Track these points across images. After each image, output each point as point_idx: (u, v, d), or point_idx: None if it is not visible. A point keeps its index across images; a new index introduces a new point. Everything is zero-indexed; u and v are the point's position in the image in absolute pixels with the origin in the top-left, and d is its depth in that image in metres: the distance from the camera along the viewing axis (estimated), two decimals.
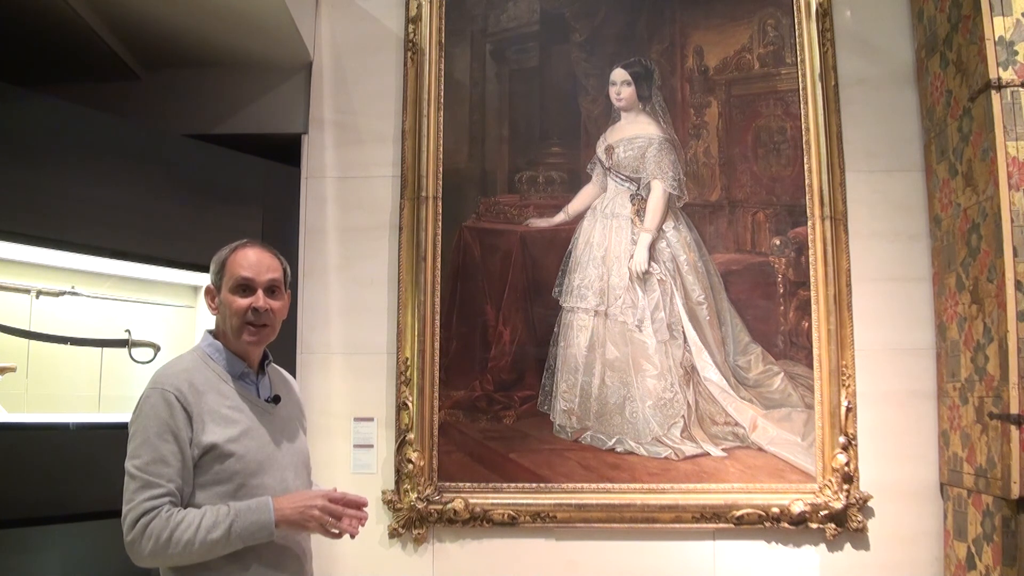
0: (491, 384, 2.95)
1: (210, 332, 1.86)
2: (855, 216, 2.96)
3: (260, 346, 1.85)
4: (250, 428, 1.76)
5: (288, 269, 1.91)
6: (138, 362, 2.86)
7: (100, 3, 2.70)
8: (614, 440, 2.90)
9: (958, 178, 2.69)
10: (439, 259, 2.98)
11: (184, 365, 1.78)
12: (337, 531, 1.74)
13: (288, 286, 1.91)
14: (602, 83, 3.07)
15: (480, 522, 2.85)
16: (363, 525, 1.78)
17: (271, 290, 1.83)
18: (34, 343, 2.68)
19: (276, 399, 1.87)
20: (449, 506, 2.85)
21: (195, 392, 1.72)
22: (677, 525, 2.82)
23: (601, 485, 2.86)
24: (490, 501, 2.86)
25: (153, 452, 1.65)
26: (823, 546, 2.83)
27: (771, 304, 2.93)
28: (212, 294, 1.85)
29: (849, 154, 3.00)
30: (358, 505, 1.77)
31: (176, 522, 1.61)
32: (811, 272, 2.91)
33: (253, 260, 1.83)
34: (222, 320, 1.83)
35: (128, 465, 1.66)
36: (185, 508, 1.66)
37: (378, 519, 2.90)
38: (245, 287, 1.80)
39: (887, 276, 2.94)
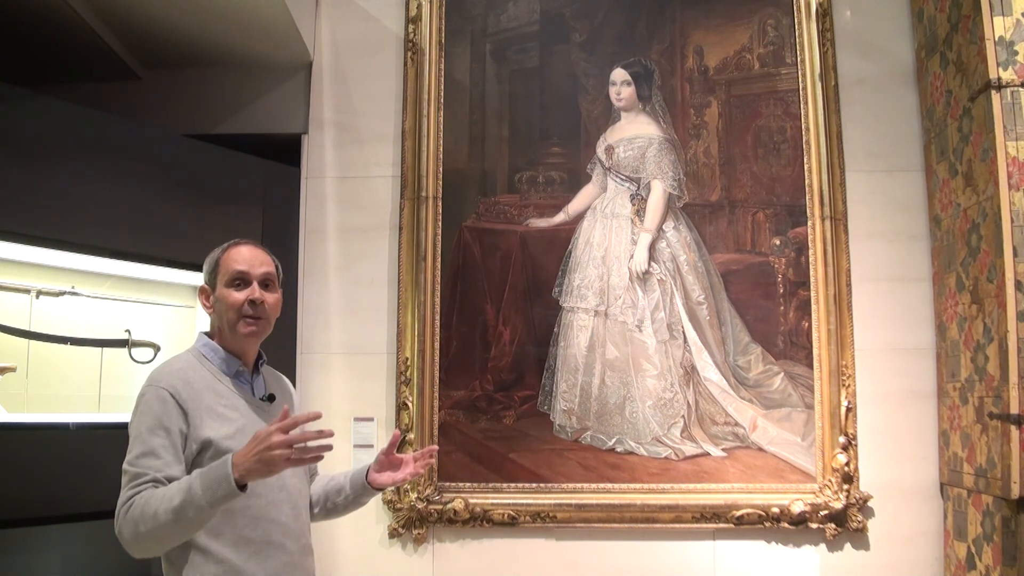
0: (491, 384, 2.95)
1: (205, 333, 1.87)
2: (855, 216, 2.96)
3: (257, 340, 1.86)
4: (245, 426, 1.76)
5: (280, 267, 1.92)
6: (138, 362, 2.86)
7: (100, 3, 2.70)
8: (614, 440, 2.90)
9: (958, 178, 2.69)
10: (439, 259, 2.98)
11: (179, 364, 1.79)
12: (305, 459, 1.62)
13: (281, 284, 1.91)
14: (602, 83, 3.07)
15: (480, 522, 2.85)
16: (331, 435, 1.65)
17: (265, 284, 1.84)
18: (34, 343, 2.68)
19: (271, 398, 1.88)
20: (449, 506, 2.85)
21: (191, 389, 1.72)
22: (677, 525, 2.82)
23: (601, 485, 2.86)
24: (490, 501, 2.86)
25: (143, 446, 1.65)
26: (823, 546, 2.83)
27: (771, 304, 2.93)
28: (207, 293, 1.86)
29: (849, 154, 3.00)
30: (311, 420, 1.65)
31: (147, 499, 1.58)
32: (811, 272, 2.91)
33: (247, 255, 1.84)
34: (218, 317, 1.84)
35: (124, 463, 1.67)
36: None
37: (378, 519, 2.90)
38: (240, 281, 1.82)
39: (887, 276, 2.94)
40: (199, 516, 1.56)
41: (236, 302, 1.80)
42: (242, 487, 1.55)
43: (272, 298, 1.85)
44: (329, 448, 1.65)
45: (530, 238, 3.02)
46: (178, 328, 3.09)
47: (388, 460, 1.96)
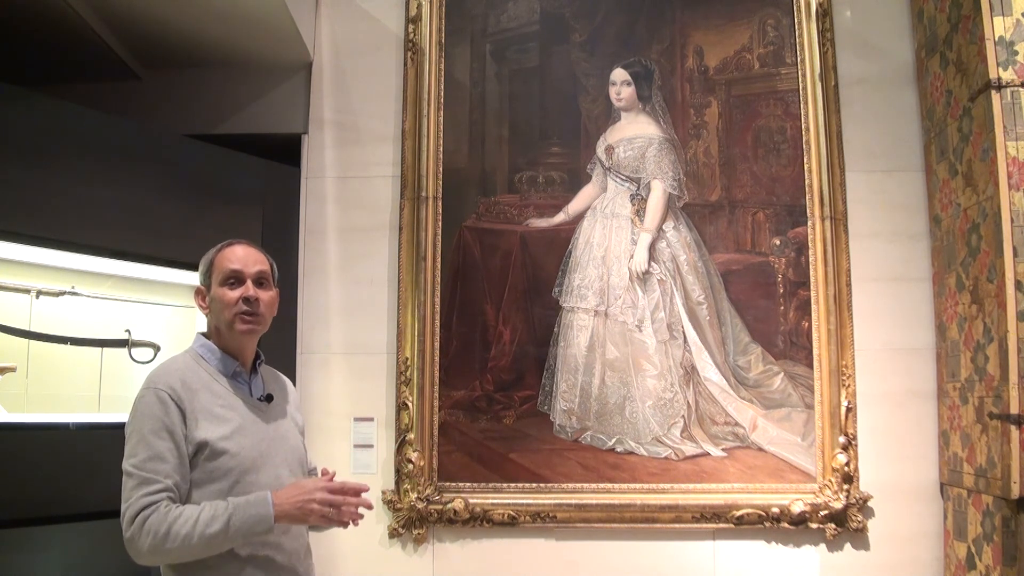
0: (491, 384, 2.95)
1: (202, 334, 1.88)
2: (855, 216, 2.96)
3: (253, 338, 1.86)
4: (243, 426, 1.77)
5: (275, 265, 1.93)
6: (138, 362, 2.86)
7: (100, 3, 2.70)
8: (614, 440, 2.90)
9: (958, 178, 2.69)
10: (439, 259, 2.98)
11: (177, 365, 1.80)
12: (339, 521, 1.73)
13: (276, 283, 1.92)
14: (602, 83, 3.07)
15: (480, 522, 2.85)
16: (369, 509, 1.79)
17: (259, 282, 1.85)
18: (34, 343, 2.68)
19: (269, 398, 1.88)
20: (449, 506, 2.85)
21: (188, 390, 1.73)
22: (677, 525, 2.82)
23: (601, 485, 2.86)
24: (490, 501, 2.86)
25: (149, 450, 1.66)
26: (823, 546, 2.83)
27: (771, 304, 2.93)
28: (202, 294, 1.87)
29: (849, 154, 3.00)
30: (357, 492, 1.76)
31: (174, 517, 1.61)
32: (811, 272, 2.91)
33: (241, 254, 1.86)
34: (214, 316, 1.84)
35: (125, 464, 1.67)
36: (183, 505, 1.66)
37: (378, 519, 2.90)
38: (234, 279, 1.83)
39: (887, 276, 2.94)
40: (231, 544, 1.66)
41: (231, 300, 1.81)
42: None
43: (267, 296, 1.86)
44: (359, 517, 1.77)
45: (530, 238, 3.02)
46: (178, 328, 3.09)
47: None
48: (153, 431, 1.67)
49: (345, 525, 1.76)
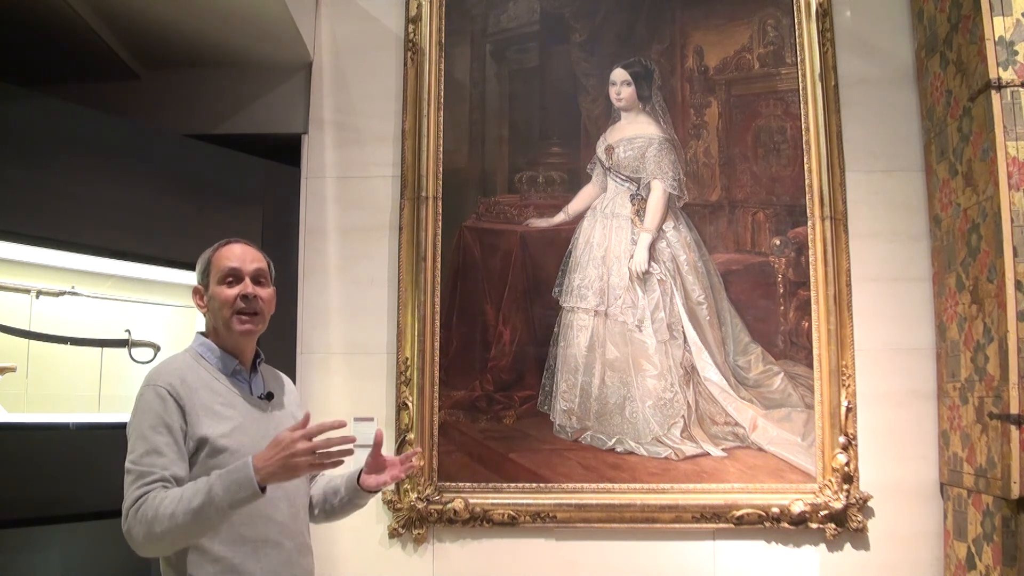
0: (491, 384, 2.95)
1: (201, 333, 1.88)
2: (855, 216, 2.96)
3: (253, 335, 1.86)
4: (242, 424, 1.77)
5: (271, 264, 1.93)
6: (138, 362, 2.86)
7: (100, 3, 2.70)
8: (614, 440, 2.90)
9: (958, 178, 2.69)
10: (439, 259, 2.98)
11: (176, 364, 1.80)
12: (331, 465, 1.66)
13: (273, 281, 1.92)
14: (602, 83, 3.07)
15: (480, 522, 2.85)
16: (350, 451, 1.68)
17: (257, 280, 1.86)
18: (34, 343, 2.68)
19: (269, 396, 1.88)
20: (449, 506, 2.85)
21: (187, 388, 1.73)
22: (677, 525, 2.82)
23: (601, 485, 2.86)
24: (490, 501, 2.86)
25: (146, 444, 1.66)
26: (823, 546, 2.83)
27: (771, 304, 2.93)
28: (200, 294, 1.87)
29: (849, 154, 3.00)
30: (335, 428, 1.67)
31: (160, 499, 1.60)
32: (811, 272, 2.91)
33: (238, 252, 1.86)
34: (213, 315, 1.84)
35: (126, 462, 1.67)
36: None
37: (378, 519, 2.90)
38: (232, 277, 1.83)
39: (887, 276, 2.94)
40: (218, 517, 1.60)
41: (229, 298, 1.81)
42: (262, 489, 1.59)
43: (266, 293, 1.86)
44: (350, 453, 1.68)
45: (530, 238, 3.02)
46: (178, 328, 3.09)
47: (375, 462, 1.94)
48: (151, 427, 1.67)
49: (336, 466, 1.66)
